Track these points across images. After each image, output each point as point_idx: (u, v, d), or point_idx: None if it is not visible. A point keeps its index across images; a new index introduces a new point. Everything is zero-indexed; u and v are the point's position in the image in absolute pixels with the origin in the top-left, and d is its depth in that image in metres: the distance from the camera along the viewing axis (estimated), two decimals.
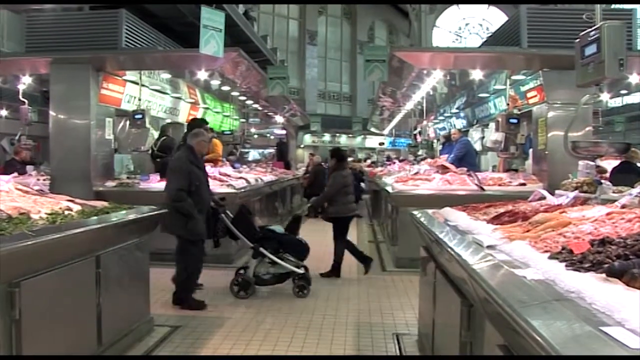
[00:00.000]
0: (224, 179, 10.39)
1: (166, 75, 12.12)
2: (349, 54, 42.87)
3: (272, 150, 25.19)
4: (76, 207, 5.11)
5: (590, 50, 5.17)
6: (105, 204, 5.71)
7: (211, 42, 8.48)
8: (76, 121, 9.25)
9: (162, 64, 10.65)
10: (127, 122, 10.91)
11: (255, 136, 26.46)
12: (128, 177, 10.35)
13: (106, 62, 9.46)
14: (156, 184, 9.89)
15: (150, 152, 11.35)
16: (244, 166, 15.25)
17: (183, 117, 13.92)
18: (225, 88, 14.40)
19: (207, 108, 15.55)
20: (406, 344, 5.66)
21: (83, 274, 4.48)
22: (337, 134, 39.77)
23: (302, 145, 35.82)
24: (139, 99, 10.77)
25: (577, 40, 5.44)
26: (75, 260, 4.28)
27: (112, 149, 10.23)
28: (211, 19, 8.50)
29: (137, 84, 10.73)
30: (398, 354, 5.44)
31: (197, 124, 8.25)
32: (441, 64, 10.32)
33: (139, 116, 10.31)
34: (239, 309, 6.84)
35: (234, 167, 13.21)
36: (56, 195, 5.67)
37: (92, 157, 9.31)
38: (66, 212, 4.77)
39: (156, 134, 11.66)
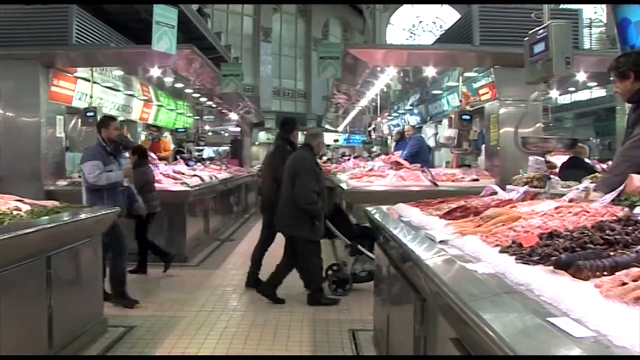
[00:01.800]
0: (178, 177, 10.32)
1: (119, 72, 11.95)
2: (303, 51, 42.83)
3: (226, 148, 25.05)
4: (25, 207, 5.01)
5: (539, 48, 5.29)
6: (56, 203, 5.62)
7: (164, 39, 8.39)
8: (25, 119, 9.03)
9: (114, 60, 10.49)
10: (79, 120, 10.73)
11: (210, 134, 26.28)
12: (80, 176, 10.18)
13: (56, 59, 9.26)
14: None
15: None
16: (198, 164, 15.17)
17: (136, 115, 13.75)
18: (179, 85, 14.28)
19: (161, 105, 15.39)
20: (362, 340, 5.71)
21: (33, 275, 4.39)
22: None
23: (256, 143, 35.65)
24: (91, 96, 10.59)
25: (526, 38, 5.55)
26: (25, 261, 4.20)
27: (63, 147, 10.03)
28: (164, 16, 8.40)
29: (88, 81, 10.55)
30: (354, 350, 5.48)
31: (290, 122, 8.27)
32: (395, 61, 10.40)
33: (91, 114, 10.13)
34: (194, 307, 6.80)
35: (187, 165, 13.12)
36: (4, 195, 5.54)
37: (43, 156, 9.11)
38: (15, 212, 4.68)
39: None
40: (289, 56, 42.68)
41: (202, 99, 17.31)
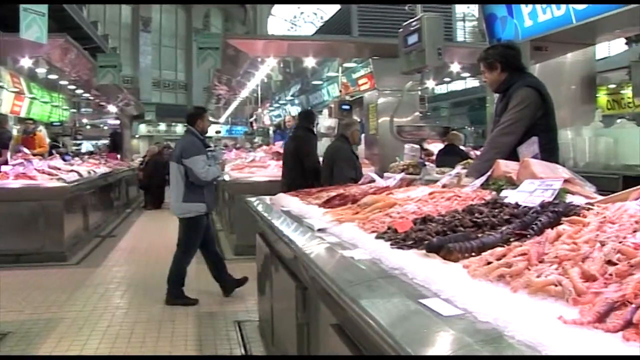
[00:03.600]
0: (54, 173, 9.90)
1: None
2: (184, 42, 42.16)
3: (106, 141, 24.32)
4: None
5: (412, 39, 5.46)
6: None
7: (33, 27, 8.00)
8: None
9: None
10: None
11: (88, 127, 25.45)
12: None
13: None
14: None
15: None
16: (76, 158, 14.64)
17: (6, 108, 13.04)
18: (53, 76, 13.72)
19: (34, 98, 14.70)
20: (247, 331, 5.71)
21: None
22: (173, 123, 39.10)
23: (137, 136, 34.84)
24: None
25: (401, 30, 5.71)
26: None
27: None
28: (33, 2, 8.01)
29: None
30: (240, 341, 5.46)
31: (310, 112, 8.28)
32: (275, 52, 10.45)
33: None
34: (74, 308, 6.54)
35: (64, 160, 12.63)
36: None
37: None
38: None
39: None
40: (169, 47, 41.93)
41: (79, 91, 16.76)
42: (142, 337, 5.58)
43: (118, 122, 23.62)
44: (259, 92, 16.30)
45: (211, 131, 37.62)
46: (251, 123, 20.44)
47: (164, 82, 41.67)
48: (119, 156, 19.33)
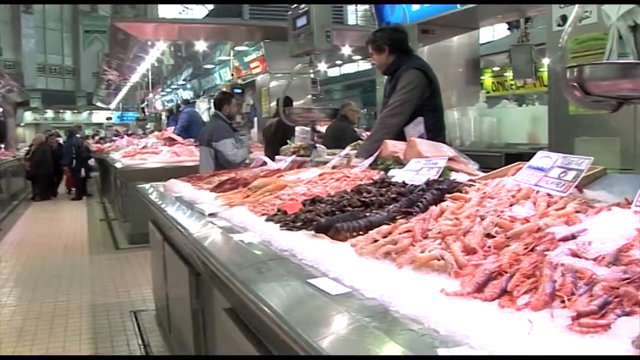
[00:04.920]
0: None
1: None
2: (70, 25, 40.46)
3: None
4: None
5: (301, 22, 5.48)
6: None
7: None
8: None
9: None
10: None
11: None
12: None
13: None
14: None
15: None
16: None
17: None
18: None
19: None
20: (144, 320, 5.63)
21: None
22: (61, 110, 37.63)
23: (22, 124, 33.28)
24: None
25: (290, 12, 5.71)
26: None
27: None
28: None
29: None
30: (137, 331, 5.36)
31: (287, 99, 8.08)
32: (165, 35, 10.29)
33: None
34: None
35: None
36: None
37: None
38: None
39: None
40: (54, 30, 40.15)
41: None
42: (32, 335, 5.37)
43: (0, 109, 22.48)
44: (150, 77, 15.94)
45: (101, 118, 36.64)
46: (143, 109, 19.95)
47: (50, 67, 39.95)
48: (2, 146, 18.41)
